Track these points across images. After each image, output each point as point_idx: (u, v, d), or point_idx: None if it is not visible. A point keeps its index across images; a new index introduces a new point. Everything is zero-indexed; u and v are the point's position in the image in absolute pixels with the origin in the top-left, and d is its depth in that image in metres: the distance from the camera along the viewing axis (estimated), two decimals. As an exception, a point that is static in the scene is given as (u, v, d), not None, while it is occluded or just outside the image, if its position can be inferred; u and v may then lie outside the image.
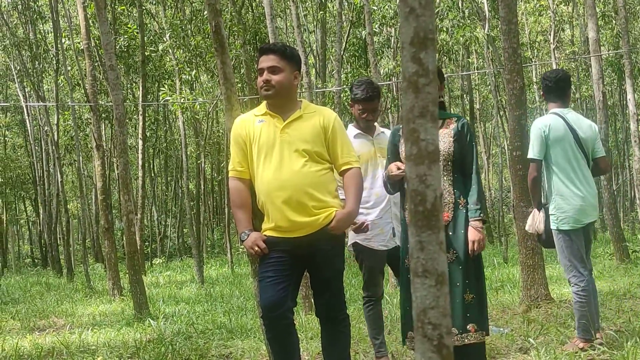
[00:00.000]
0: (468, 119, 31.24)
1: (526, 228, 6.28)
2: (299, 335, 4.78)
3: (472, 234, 4.64)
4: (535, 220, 6.03)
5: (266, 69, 4.45)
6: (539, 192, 5.98)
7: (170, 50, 19.24)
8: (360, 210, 5.48)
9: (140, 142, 22.42)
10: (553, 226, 5.88)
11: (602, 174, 6.49)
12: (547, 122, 5.91)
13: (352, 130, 5.71)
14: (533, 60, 27.52)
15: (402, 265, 4.86)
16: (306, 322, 8.04)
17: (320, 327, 4.75)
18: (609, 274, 12.36)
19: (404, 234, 4.93)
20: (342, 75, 18.54)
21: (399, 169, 4.61)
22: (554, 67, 23.86)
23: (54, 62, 22.48)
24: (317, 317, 4.75)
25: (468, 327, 4.58)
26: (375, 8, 20.68)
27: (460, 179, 4.74)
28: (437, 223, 1.39)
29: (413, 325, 4.58)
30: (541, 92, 6.33)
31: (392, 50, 23.31)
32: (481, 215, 4.72)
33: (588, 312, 5.75)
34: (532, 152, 5.94)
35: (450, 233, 4.65)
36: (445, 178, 4.72)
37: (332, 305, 4.55)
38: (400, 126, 5.02)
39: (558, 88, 6.03)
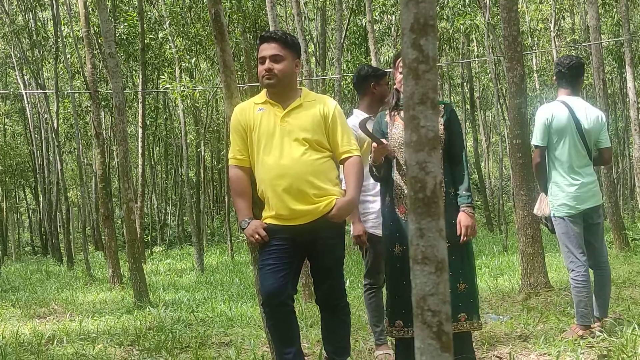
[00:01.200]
0: (468, 107, 31.23)
1: (534, 211, 6.29)
2: (299, 323, 4.79)
3: (465, 220, 4.62)
4: (542, 204, 6.04)
5: (268, 58, 4.43)
6: (544, 176, 5.99)
7: (170, 38, 19.21)
8: (367, 198, 5.48)
9: (140, 130, 22.40)
10: (551, 213, 5.92)
11: (604, 164, 6.49)
12: (552, 110, 5.91)
13: (359, 114, 5.70)
14: (533, 48, 27.47)
15: (388, 254, 4.79)
16: (306, 310, 8.05)
17: (320, 315, 4.75)
18: (609, 261, 12.36)
19: (389, 223, 4.83)
20: (342, 64, 18.51)
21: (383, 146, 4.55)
22: (555, 55, 23.83)
23: (54, 49, 22.44)
24: (317, 305, 4.76)
25: (459, 316, 4.57)
26: (375, -4, 20.62)
27: (448, 167, 4.71)
28: (436, 210, 1.39)
29: (398, 314, 4.54)
30: (553, 77, 6.32)
31: (393, 38, 23.28)
32: (471, 201, 4.71)
33: (586, 298, 5.77)
34: (535, 139, 5.97)
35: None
36: None
37: (332, 293, 4.56)
38: (386, 111, 4.97)
39: (570, 75, 6.03)
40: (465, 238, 4.62)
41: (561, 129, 5.86)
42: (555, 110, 5.91)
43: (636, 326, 5.68)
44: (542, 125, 5.90)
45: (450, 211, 4.60)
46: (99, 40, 19.09)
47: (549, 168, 5.94)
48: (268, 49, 4.44)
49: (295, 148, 4.38)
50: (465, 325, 4.60)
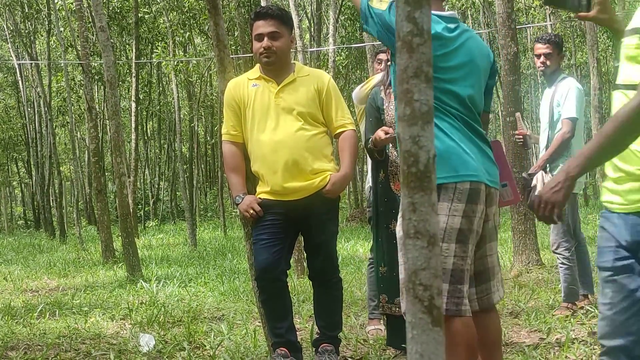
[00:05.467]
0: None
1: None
2: (292, 298, 4.80)
3: None
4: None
5: (266, 35, 4.39)
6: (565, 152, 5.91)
7: (163, 12, 19.09)
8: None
9: (134, 105, 22.34)
10: None
11: None
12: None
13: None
14: (529, 27, 27.38)
15: (385, 231, 4.78)
16: (298, 285, 8.07)
17: (312, 290, 4.76)
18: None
19: (384, 199, 4.82)
20: (337, 39, 18.43)
21: (386, 133, 4.51)
22: (550, 32, 23.75)
23: (46, 22, 22.29)
24: (310, 280, 4.77)
25: None
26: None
27: None
28: (429, 184, 1.38)
29: (398, 290, 4.55)
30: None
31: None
32: None
33: (575, 275, 5.88)
34: (576, 112, 5.87)
35: None
36: None
37: (325, 268, 4.56)
38: (380, 87, 4.95)
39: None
40: None
41: (584, 104, 5.98)
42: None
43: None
44: (582, 98, 5.91)
45: None
46: (92, 13, 18.97)
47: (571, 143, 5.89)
48: (265, 26, 4.39)
49: (290, 124, 4.37)
50: None
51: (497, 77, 3.59)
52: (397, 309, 4.67)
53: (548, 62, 5.99)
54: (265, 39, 4.37)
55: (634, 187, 2.35)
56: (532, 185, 5.86)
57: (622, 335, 2.36)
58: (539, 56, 6.01)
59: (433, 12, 3.20)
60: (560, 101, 5.90)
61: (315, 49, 20.45)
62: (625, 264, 2.35)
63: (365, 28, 3.44)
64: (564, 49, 6.21)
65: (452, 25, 3.32)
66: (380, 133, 4.52)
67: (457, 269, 3.15)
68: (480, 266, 3.36)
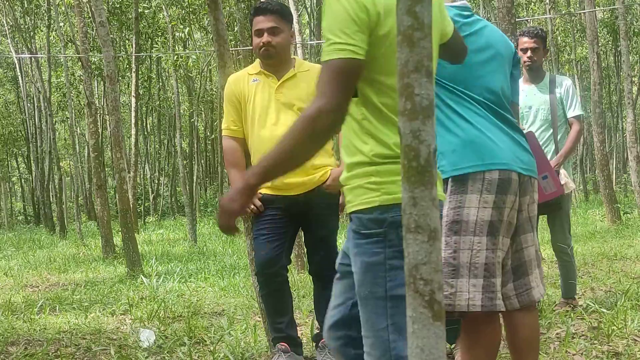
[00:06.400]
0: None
1: (568, 191, 6.03)
2: (292, 293, 4.80)
3: None
4: (568, 179, 5.86)
5: (266, 31, 4.38)
6: None
7: (163, 7, 19.07)
8: None
9: (133, 100, 22.32)
10: (574, 186, 5.90)
11: None
12: None
13: None
14: (528, 21, 27.37)
15: None
16: (299, 281, 8.07)
17: (312, 285, 4.76)
18: (601, 235, 12.44)
19: None
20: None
21: None
22: (550, 27, 23.74)
23: (46, 17, 22.27)
24: (310, 275, 4.77)
25: None
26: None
27: None
28: (430, 179, 1.38)
29: None
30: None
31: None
32: None
33: (573, 271, 5.89)
34: (582, 109, 5.91)
35: None
36: None
37: (325, 264, 4.56)
38: None
39: None
40: None
41: None
42: None
43: (626, 298, 5.72)
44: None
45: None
46: (92, 8, 18.96)
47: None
48: (265, 22, 4.39)
49: (291, 119, 4.36)
50: None
51: (519, 68, 3.49)
52: None
53: (535, 57, 5.91)
54: (265, 34, 4.37)
55: None
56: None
57: None
58: (525, 50, 5.89)
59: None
60: (565, 99, 5.88)
61: (315, 41, 20.42)
62: None
63: None
64: (563, 44, 6.18)
65: (465, 13, 3.26)
66: None
67: (490, 262, 3.04)
68: (516, 260, 3.21)
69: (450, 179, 3.06)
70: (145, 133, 33.81)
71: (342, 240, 11.96)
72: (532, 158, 3.25)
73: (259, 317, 5.21)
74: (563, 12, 27.72)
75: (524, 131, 3.43)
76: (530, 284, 3.21)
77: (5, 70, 34.07)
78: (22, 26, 25.77)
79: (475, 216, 3.02)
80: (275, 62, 4.44)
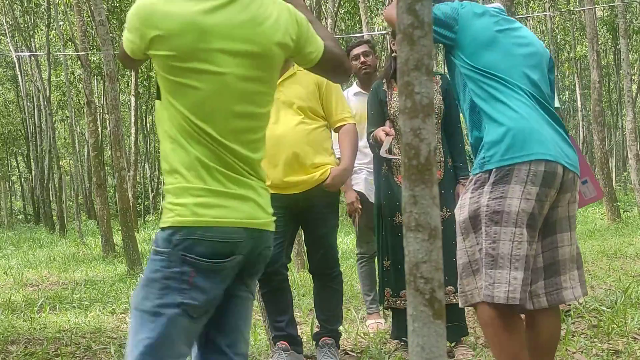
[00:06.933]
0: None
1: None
2: (292, 292, 4.80)
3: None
4: None
5: None
6: None
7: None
8: (360, 168, 5.46)
9: (133, 99, 22.31)
10: None
11: None
12: None
13: (354, 88, 5.68)
14: (528, 19, 27.36)
15: (389, 224, 4.75)
16: (299, 279, 8.07)
17: (313, 284, 4.76)
18: (600, 233, 12.45)
19: (387, 192, 4.77)
20: (336, 33, 18.40)
21: (387, 134, 4.48)
22: (549, 25, 23.74)
23: (46, 16, 22.26)
24: (310, 274, 4.77)
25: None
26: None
27: (445, 138, 4.70)
28: (430, 177, 1.38)
29: (404, 283, 4.52)
30: None
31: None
32: (468, 173, 4.71)
33: None
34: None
35: (442, 192, 4.60)
36: (436, 136, 4.64)
37: (325, 262, 4.56)
38: (383, 81, 4.88)
39: None
40: None
41: None
42: None
43: (626, 296, 5.72)
44: None
45: (450, 181, 4.61)
46: (91, 7, 18.95)
47: None
48: None
49: (291, 117, 4.36)
50: (452, 297, 4.58)
51: (554, 73, 3.41)
52: (402, 302, 4.66)
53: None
54: None
55: None
56: None
57: None
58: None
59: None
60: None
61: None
62: None
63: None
64: (563, 42, 6.18)
65: (497, 12, 3.27)
66: (381, 134, 4.50)
67: (529, 254, 2.98)
68: (549, 258, 3.11)
69: (494, 169, 3.02)
70: (145, 132, 33.78)
71: (342, 239, 11.96)
72: (576, 155, 3.18)
73: (259, 316, 5.20)
74: (562, 10, 27.72)
75: None
76: (562, 284, 3.13)
77: (4, 69, 34.03)
78: (21, 25, 25.75)
79: (517, 207, 2.96)
80: None
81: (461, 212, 3.15)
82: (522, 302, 2.97)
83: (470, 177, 3.18)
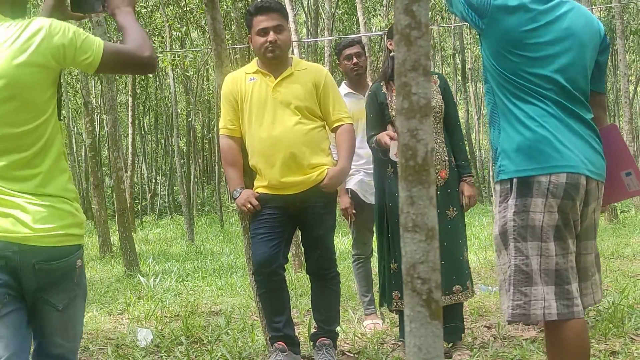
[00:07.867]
0: (459, 78, 31.18)
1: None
2: (289, 292, 4.80)
3: (468, 190, 4.63)
4: None
5: (272, 29, 4.37)
6: None
7: (160, 6, 19.05)
8: (357, 169, 5.46)
9: (130, 99, 22.30)
10: None
11: None
12: None
13: (343, 88, 5.67)
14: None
15: (395, 226, 4.74)
16: (296, 280, 8.07)
17: (310, 284, 4.76)
18: (598, 233, 12.42)
19: (395, 194, 4.75)
20: (333, 33, 18.41)
21: (391, 138, 4.47)
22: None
23: (43, 17, 22.21)
24: (308, 274, 4.77)
25: (467, 283, 4.60)
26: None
27: (447, 137, 4.71)
28: (427, 178, 1.38)
29: (400, 286, 4.50)
30: None
31: (385, 8, 23.16)
32: (470, 171, 4.74)
33: None
34: None
35: (449, 191, 4.60)
36: (439, 136, 4.65)
37: (322, 263, 4.55)
38: (382, 83, 4.87)
39: None
40: (467, 208, 4.67)
41: None
42: None
43: (623, 296, 5.72)
44: None
45: (455, 179, 4.62)
46: (89, 8, 18.92)
47: None
48: (269, 20, 4.38)
49: (288, 118, 4.36)
50: (460, 296, 4.60)
51: (609, 53, 3.25)
52: None
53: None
54: (271, 32, 4.36)
55: None
56: None
57: None
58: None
59: None
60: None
61: (310, 39, 20.41)
62: None
63: (451, 9, 3.21)
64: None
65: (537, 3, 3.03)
66: (385, 139, 4.49)
67: (561, 268, 2.90)
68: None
69: (515, 180, 2.96)
70: (143, 132, 33.77)
71: (339, 239, 11.94)
72: (603, 161, 3.09)
73: (257, 317, 5.21)
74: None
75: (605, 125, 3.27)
76: (584, 291, 3.08)
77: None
78: (18, 25, 25.70)
79: (541, 221, 2.90)
80: (278, 60, 4.44)
81: (494, 228, 3.09)
82: (562, 317, 2.90)
83: (493, 186, 3.16)
